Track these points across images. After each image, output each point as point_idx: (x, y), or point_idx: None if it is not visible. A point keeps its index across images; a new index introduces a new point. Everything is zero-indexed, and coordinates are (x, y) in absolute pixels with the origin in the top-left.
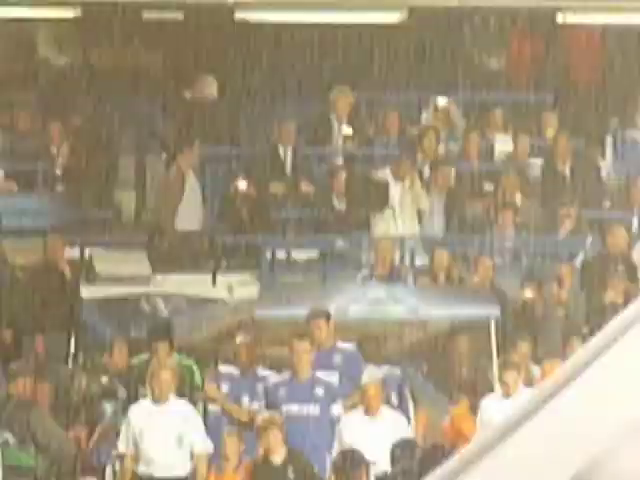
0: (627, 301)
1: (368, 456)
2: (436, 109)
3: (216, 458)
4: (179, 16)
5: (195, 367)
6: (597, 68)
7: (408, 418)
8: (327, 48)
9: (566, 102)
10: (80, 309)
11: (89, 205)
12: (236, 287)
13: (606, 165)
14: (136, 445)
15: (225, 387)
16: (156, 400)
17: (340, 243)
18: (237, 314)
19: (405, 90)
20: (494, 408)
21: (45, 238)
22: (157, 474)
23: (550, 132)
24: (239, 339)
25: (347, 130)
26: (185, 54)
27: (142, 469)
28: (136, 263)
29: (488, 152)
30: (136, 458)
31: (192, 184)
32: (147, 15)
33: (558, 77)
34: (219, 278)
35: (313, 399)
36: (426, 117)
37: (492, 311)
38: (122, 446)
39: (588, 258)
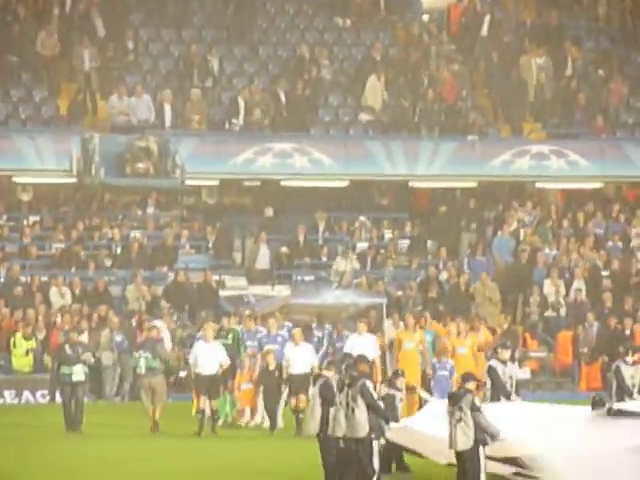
0: None
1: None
2: None
3: (240, 367)
4: None
5: (238, 330)
6: None
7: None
8: None
9: None
10: (218, 300)
11: (224, 258)
12: (281, 290)
13: None
14: (195, 359)
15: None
16: (205, 341)
17: (323, 274)
18: (280, 302)
19: None
20: None
21: (205, 271)
22: (204, 373)
23: None
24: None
25: None
26: None
27: (197, 370)
28: (240, 280)
29: None
30: (195, 365)
31: (264, 250)
32: None
33: None
34: (275, 287)
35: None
36: None
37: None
38: (191, 359)
39: None
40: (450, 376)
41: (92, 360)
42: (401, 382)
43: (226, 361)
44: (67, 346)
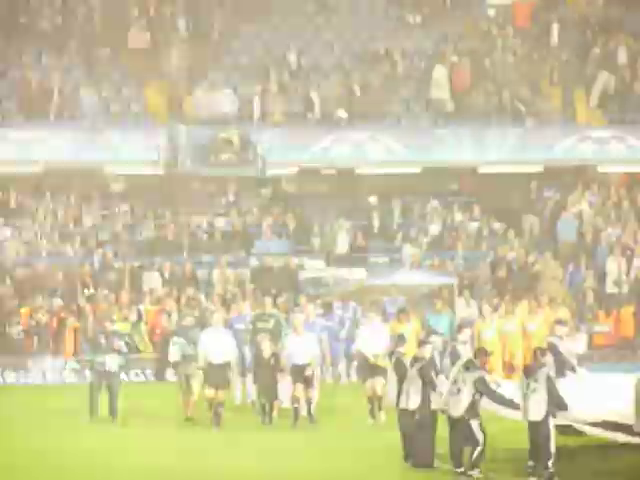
0: None
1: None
2: None
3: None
4: None
5: (282, 316)
6: None
7: None
8: None
9: None
10: (298, 282)
11: (303, 243)
12: (357, 272)
13: None
14: (205, 348)
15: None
16: (215, 329)
17: (397, 256)
18: (356, 284)
19: None
20: None
21: (286, 256)
22: (214, 362)
23: None
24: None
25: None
26: None
27: (207, 359)
28: (319, 263)
29: None
30: (204, 354)
31: (342, 234)
32: None
33: None
34: (353, 270)
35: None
36: None
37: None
38: (200, 348)
39: None
40: None
41: (125, 349)
42: (484, 362)
43: (233, 351)
44: (102, 335)
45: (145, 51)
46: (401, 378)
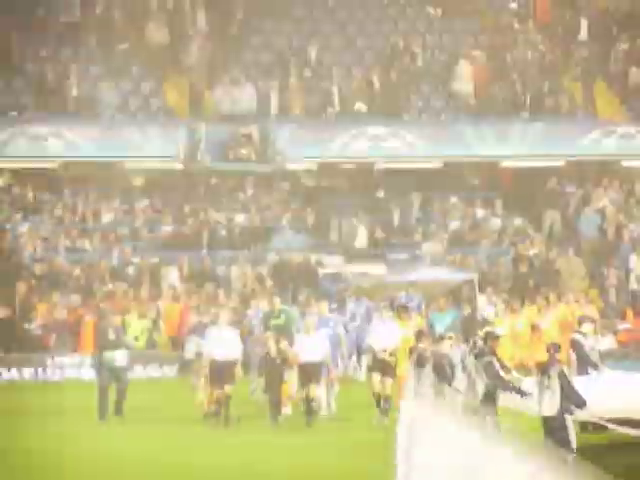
0: None
1: None
2: None
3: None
4: None
5: (296, 311)
6: None
7: None
8: None
9: None
10: (317, 278)
11: (322, 238)
12: (377, 268)
13: None
14: (209, 345)
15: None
16: (220, 326)
17: (417, 252)
18: (376, 279)
19: None
20: None
21: (305, 252)
22: (218, 359)
23: None
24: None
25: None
26: None
27: (211, 356)
28: (338, 259)
29: None
30: (209, 351)
31: (361, 230)
32: None
33: None
34: (372, 266)
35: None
36: None
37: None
38: (205, 345)
39: None
40: None
41: (133, 344)
42: (494, 346)
43: (238, 349)
44: (110, 330)
45: (164, 46)
46: (419, 374)
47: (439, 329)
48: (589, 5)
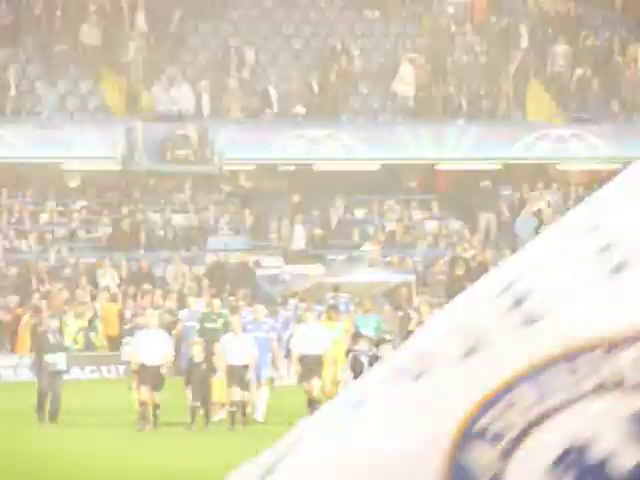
0: None
1: None
2: None
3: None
4: None
5: (228, 314)
6: None
7: None
8: None
9: None
10: (256, 280)
11: (260, 239)
12: (315, 269)
13: None
14: (137, 349)
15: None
16: (149, 329)
17: (355, 253)
18: (314, 280)
19: None
20: None
21: (243, 253)
22: (147, 363)
23: None
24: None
25: None
26: None
27: (140, 360)
28: (276, 260)
29: None
30: (137, 355)
31: (299, 231)
32: None
33: None
34: (309, 266)
35: None
36: None
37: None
38: (133, 349)
39: None
40: None
41: (73, 347)
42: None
43: (166, 353)
44: (50, 334)
45: (100, 47)
46: (357, 376)
47: (364, 331)
48: (526, 8)
